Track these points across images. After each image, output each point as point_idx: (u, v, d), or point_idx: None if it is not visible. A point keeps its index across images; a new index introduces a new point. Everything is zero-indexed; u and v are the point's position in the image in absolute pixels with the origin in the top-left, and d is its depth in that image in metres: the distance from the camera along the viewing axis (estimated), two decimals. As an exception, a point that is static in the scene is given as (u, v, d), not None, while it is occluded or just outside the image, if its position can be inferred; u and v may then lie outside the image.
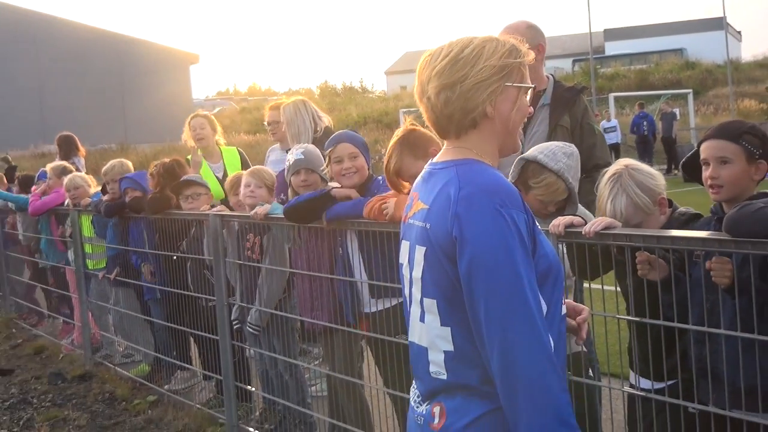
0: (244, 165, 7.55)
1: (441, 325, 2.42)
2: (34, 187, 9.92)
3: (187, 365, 7.14)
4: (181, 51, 49.92)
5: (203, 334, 6.45)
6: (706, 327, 3.18)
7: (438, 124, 2.52)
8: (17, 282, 11.05)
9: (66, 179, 8.30)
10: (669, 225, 3.70)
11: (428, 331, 2.47)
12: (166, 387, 7.07)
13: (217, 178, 7.49)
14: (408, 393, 3.28)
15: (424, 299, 2.46)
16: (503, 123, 2.49)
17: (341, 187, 4.82)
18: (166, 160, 7.16)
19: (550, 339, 2.32)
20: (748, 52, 68.81)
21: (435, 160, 2.57)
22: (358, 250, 4.82)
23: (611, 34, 69.18)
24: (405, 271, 2.59)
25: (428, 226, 2.43)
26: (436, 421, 2.48)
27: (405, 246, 2.59)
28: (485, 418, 2.39)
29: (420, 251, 2.46)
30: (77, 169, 9.34)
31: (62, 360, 8.86)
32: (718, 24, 51.72)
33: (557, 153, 4.07)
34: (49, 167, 9.29)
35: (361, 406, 5.06)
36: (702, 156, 3.42)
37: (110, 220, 7.67)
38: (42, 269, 10.13)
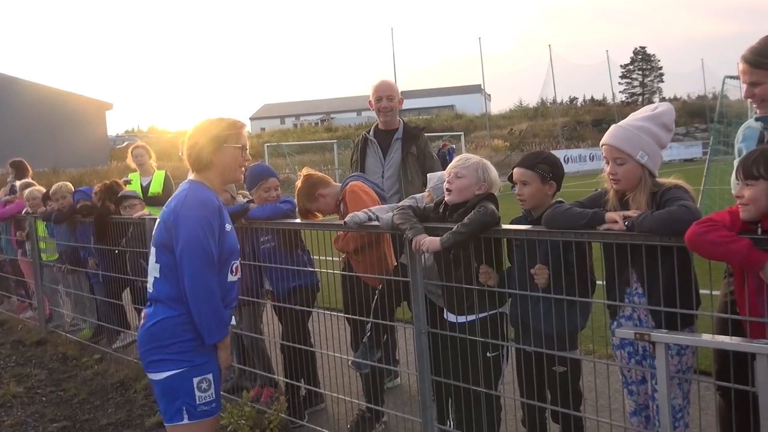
0: (167, 182, 7.23)
1: (155, 262, 2.97)
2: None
3: (124, 329, 6.65)
4: (99, 101, 46.89)
5: (140, 306, 6.04)
6: (528, 291, 3.18)
7: (191, 163, 3.03)
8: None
9: (26, 191, 7.70)
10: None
11: (152, 267, 3.01)
12: (113, 346, 6.53)
13: (142, 185, 7.38)
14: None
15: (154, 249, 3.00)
16: (222, 168, 3.02)
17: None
18: (107, 181, 6.85)
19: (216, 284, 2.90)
20: (496, 107, 72.23)
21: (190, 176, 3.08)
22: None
23: (407, 95, 69.62)
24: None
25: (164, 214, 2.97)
26: (141, 321, 3.03)
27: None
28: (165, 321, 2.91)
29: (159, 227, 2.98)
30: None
31: (20, 330, 8.09)
32: (477, 89, 53.87)
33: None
34: (18, 183, 8.54)
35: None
36: (514, 179, 3.41)
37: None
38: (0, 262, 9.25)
